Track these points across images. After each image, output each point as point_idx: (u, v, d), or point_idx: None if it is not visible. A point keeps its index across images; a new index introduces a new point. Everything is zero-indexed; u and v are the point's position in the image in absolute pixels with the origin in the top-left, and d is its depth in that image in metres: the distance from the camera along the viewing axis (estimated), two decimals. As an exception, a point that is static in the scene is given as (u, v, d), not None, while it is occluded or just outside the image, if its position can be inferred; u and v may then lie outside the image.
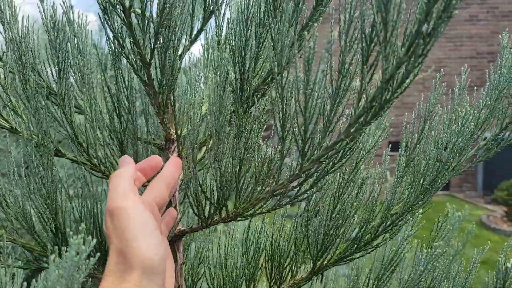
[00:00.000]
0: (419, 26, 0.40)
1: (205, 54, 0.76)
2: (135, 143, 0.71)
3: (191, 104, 0.72)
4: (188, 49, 0.72)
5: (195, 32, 0.70)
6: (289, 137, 0.54)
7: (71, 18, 0.78)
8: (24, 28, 0.75)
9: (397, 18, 0.41)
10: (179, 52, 0.64)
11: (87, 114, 0.74)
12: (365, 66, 0.45)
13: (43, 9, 0.77)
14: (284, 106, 0.53)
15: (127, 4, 0.49)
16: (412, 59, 0.42)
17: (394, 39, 0.42)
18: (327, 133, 0.51)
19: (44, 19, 0.74)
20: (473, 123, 0.60)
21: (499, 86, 0.63)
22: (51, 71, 0.77)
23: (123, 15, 0.50)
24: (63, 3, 0.79)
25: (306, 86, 0.46)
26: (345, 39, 0.50)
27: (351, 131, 0.49)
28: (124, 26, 0.55)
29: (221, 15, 0.62)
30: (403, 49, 0.43)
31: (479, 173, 9.36)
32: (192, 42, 0.71)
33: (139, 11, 0.53)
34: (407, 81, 0.43)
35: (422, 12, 0.40)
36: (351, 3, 0.50)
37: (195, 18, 0.70)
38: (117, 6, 0.50)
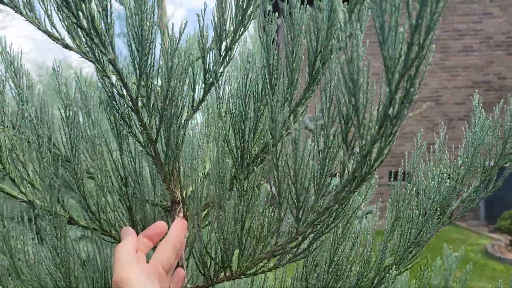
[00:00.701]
0: (386, 110, 0.46)
1: (205, 123, 0.83)
2: (143, 207, 0.77)
3: (195, 169, 0.78)
4: (191, 117, 0.78)
5: (196, 102, 0.78)
6: (285, 203, 0.60)
7: (85, 91, 0.85)
8: (40, 102, 0.82)
9: (365, 103, 0.48)
10: (183, 121, 0.71)
11: (97, 181, 0.79)
12: (344, 145, 0.51)
13: (59, 84, 0.85)
14: (279, 176, 0.58)
15: (134, 95, 0.56)
16: (383, 138, 0.48)
17: (367, 120, 0.48)
18: (318, 199, 0.57)
19: (59, 95, 0.81)
20: (448, 181, 0.65)
21: (474, 143, 0.69)
22: (63, 139, 0.84)
23: (131, 104, 0.57)
24: (77, 78, 0.87)
25: (295, 162, 0.52)
26: (328, 115, 0.56)
27: (339, 198, 0.54)
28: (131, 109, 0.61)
29: (221, 89, 0.69)
30: (376, 126, 0.49)
31: (481, 202, 9.30)
32: (194, 111, 0.78)
33: (145, 95, 0.60)
34: (381, 158, 0.49)
35: (387, 99, 0.46)
36: (330, 83, 0.57)
37: (196, 88, 0.78)
38: (126, 96, 0.57)
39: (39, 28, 0.75)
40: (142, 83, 0.55)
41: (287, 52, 0.58)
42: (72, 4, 0.45)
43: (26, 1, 0.76)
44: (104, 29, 0.48)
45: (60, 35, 0.79)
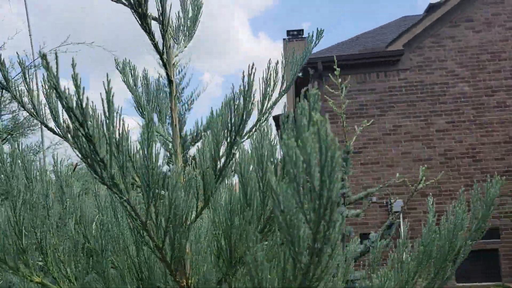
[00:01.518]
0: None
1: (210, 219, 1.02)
2: (155, 295, 0.95)
3: (199, 263, 0.96)
4: (194, 221, 0.97)
5: (199, 209, 0.97)
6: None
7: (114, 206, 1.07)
8: (82, 208, 1.05)
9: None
10: (186, 228, 0.90)
11: (119, 271, 0.99)
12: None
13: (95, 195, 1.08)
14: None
15: (143, 219, 0.76)
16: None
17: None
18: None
19: (96, 203, 1.04)
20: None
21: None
22: (97, 237, 1.05)
23: (141, 224, 0.77)
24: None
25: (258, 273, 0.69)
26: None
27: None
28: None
29: (216, 203, 0.88)
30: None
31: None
32: (197, 216, 0.97)
33: (152, 217, 0.80)
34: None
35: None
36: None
37: (199, 199, 0.97)
38: (138, 220, 0.77)
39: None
40: (151, 208, 0.76)
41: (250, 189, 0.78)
42: (98, 170, 0.67)
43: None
44: (123, 186, 0.70)
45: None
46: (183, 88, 4.93)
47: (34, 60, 3.55)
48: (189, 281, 0.97)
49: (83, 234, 0.96)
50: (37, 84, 3.57)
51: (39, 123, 3.67)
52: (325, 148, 0.53)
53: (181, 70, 4.96)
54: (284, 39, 15.65)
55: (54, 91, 0.64)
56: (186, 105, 5.02)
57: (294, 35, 15.52)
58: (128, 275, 0.95)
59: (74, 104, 0.63)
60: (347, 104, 9.35)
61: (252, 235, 0.77)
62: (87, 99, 0.66)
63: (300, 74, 10.57)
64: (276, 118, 13.58)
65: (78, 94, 0.65)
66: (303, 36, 15.18)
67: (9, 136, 3.12)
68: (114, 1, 1.00)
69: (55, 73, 0.64)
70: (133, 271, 0.94)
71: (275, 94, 1.14)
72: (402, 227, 9.38)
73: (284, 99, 1.30)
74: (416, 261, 1.02)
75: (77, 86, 0.64)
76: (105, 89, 0.68)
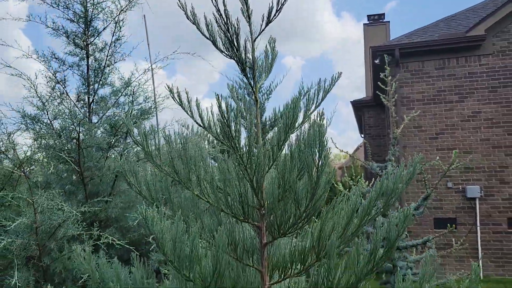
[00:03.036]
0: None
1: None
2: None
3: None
4: (267, 172, 1.91)
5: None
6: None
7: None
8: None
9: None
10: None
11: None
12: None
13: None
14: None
15: (245, 165, 1.70)
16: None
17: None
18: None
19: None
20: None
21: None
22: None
23: (244, 168, 1.70)
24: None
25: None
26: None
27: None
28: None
29: (277, 164, 1.81)
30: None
31: None
32: (269, 168, 1.90)
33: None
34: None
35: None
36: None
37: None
38: None
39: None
40: (249, 161, 1.70)
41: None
42: (230, 143, 1.61)
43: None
44: (238, 148, 1.64)
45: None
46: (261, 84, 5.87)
47: (151, 65, 4.72)
48: (264, 203, 1.90)
49: (212, 175, 1.93)
50: (153, 82, 4.72)
51: (155, 111, 4.86)
52: (320, 143, 1.41)
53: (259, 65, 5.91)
54: (364, 23, 15.81)
55: (225, 128, 1.60)
56: (265, 95, 5.95)
57: (375, 20, 15.60)
58: (236, 197, 1.89)
59: (228, 129, 1.59)
60: (425, 89, 9.56)
61: (292, 178, 1.68)
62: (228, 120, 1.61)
63: (377, 61, 10.92)
64: (353, 103, 13.96)
65: (228, 124, 1.61)
66: (384, 21, 15.22)
67: (138, 120, 4.35)
68: (226, 57, 1.94)
69: (226, 116, 1.59)
70: (237, 196, 1.88)
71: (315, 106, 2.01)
72: (477, 214, 9.49)
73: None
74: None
75: (225, 116, 1.59)
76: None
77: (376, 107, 14.23)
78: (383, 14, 15.39)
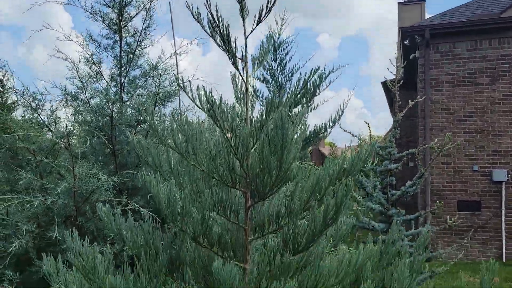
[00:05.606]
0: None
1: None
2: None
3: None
4: (252, 148, 2.29)
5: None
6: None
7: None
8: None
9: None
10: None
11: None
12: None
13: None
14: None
15: (231, 141, 2.09)
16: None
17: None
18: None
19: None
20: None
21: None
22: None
23: (229, 144, 2.09)
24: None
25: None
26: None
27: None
28: None
29: (261, 141, 2.20)
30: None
31: None
32: (253, 145, 2.29)
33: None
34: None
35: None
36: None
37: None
38: None
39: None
40: (234, 138, 2.09)
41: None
42: (218, 124, 2.00)
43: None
44: (229, 127, 2.03)
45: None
46: (286, 63, 6.14)
47: (175, 51, 5.13)
48: (250, 173, 2.29)
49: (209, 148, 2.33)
50: (177, 67, 5.15)
51: (178, 95, 5.31)
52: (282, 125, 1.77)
53: (285, 47, 6.16)
54: (399, 2, 15.47)
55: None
56: (287, 77, 6.23)
57: (411, -1, 15.23)
58: (224, 167, 2.28)
59: (213, 113, 1.98)
60: (454, 70, 9.51)
61: (267, 154, 2.06)
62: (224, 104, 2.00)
63: (406, 42, 10.83)
64: (383, 83, 13.88)
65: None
66: (419, 0, 14.84)
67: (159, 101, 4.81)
68: (223, 51, 2.32)
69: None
70: (226, 165, 2.27)
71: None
72: (503, 198, 9.44)
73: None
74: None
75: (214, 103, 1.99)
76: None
77: (407, 87, 14.08)
78: (419, -8, 14.98)
